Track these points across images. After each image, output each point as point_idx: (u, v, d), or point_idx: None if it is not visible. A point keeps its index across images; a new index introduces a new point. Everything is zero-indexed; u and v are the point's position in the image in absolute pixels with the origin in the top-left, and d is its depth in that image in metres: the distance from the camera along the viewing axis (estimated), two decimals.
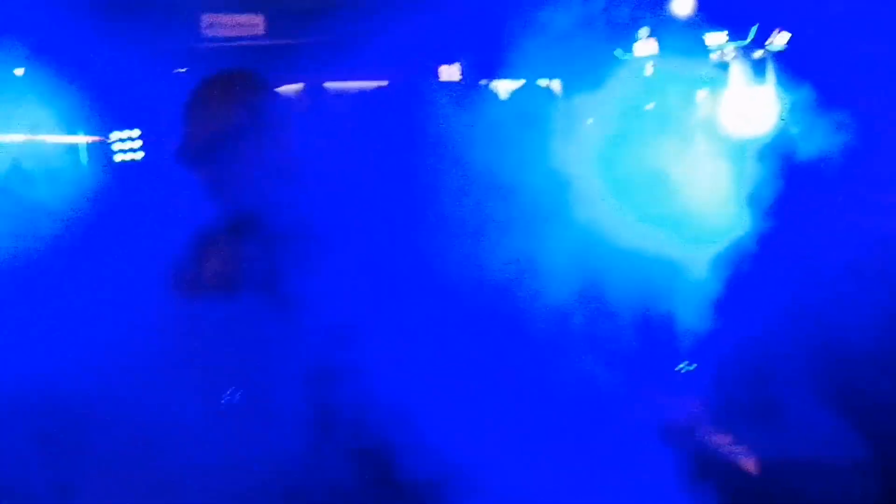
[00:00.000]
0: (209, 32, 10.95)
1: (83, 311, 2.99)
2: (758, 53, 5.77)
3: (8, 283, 3.09)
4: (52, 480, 2.63)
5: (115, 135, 5.40)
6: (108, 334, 2.87)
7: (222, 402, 2.91)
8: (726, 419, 3.02)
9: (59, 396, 2.75)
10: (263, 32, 11.08)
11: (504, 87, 5.30)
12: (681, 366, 3.36)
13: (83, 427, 2.70)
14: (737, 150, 3.83)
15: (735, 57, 5.93)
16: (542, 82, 4.25)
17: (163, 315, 2.89)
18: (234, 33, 11.01)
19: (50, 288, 3.17)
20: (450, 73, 7.19)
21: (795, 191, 3.33)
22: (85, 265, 3.27)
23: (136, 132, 5.47)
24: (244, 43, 9.56)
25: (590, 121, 4.74)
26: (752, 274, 3.11)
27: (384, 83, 6.10)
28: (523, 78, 4.14)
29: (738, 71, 5.85)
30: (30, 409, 2.72)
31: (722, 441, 2.90)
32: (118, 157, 5.45)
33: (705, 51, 6.04)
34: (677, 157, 3.77)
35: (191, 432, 2.64)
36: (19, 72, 4.47)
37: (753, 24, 5.86)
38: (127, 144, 5.48)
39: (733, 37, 6.00)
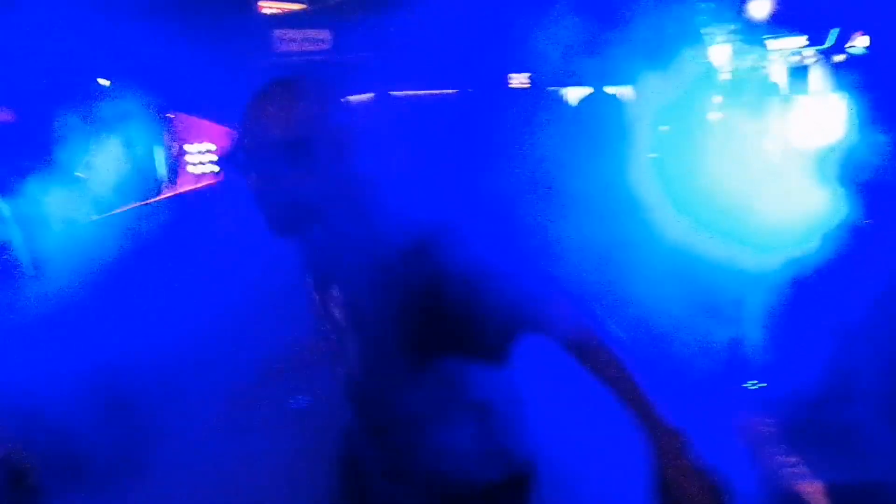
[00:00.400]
0: (279, 48, 11.31)
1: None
2: (838, 58, 5.70)
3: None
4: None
5: (189, 147, 5.67)
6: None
7: (290, 404, 3.05)
8: (794, 439, 3.00)
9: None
10: (330, 47, 11.40)
11: (573, 95, 5.37)
12: (750, 383, 3.35)
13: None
14: (812, 158, 3.81)
15: (815, 62, 5.86)
16: (610, 90, 4.29)
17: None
18: (303, 48, 11.35)
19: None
20: (520, 81, 7.31)
21: (871, 202, 3.28)
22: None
23: (212, 146, 5.73)
24: (313, 58, 9.84)
25: (664, 128, 4.77)
26: (825, 289, 3.09)
27: (453, 91, 6.25)
28: (591, 86, 4.20)
29: (818, 76, 5.77)
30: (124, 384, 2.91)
31: (787, 462, 2.87)
32: (193, 169, 5.73)
33: (782, 56, 5.98)
34: (750, 164, 3.77)
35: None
36: (104, 82, 4.77)
37: (833, 28, 5.78)
38: (206, 157, 5.75)
39: (813, 41, 5.92)
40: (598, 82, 4.29)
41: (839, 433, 2.95)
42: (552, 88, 5.28)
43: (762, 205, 3.39)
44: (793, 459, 2.85)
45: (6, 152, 3.72)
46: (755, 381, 3.27)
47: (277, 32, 11.15)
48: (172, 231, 4.11)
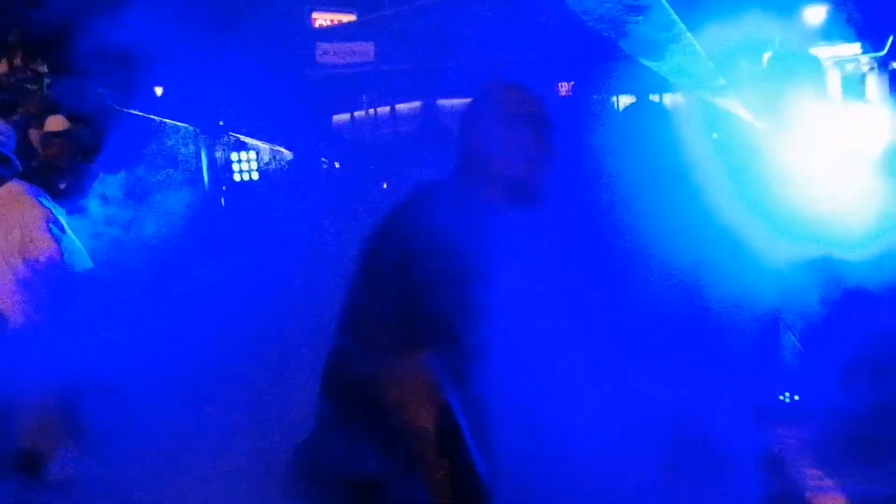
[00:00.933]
0: (324, 60, 11.63)
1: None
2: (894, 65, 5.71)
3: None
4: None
5: (234, 156, 5.91)
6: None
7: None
8: (823, 452, 3.02)
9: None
10: (374, 59, 11.68)
11: (620, 102, 5.47)
12: (784, 395, 3.40)
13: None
14: (867, 166, 3.84)
15: (871, 69, 5.87)
16: (654, 97, 4.38)
17: None
18: (347, 60, 11.65)
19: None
20: (564, 89, 7.45)
21: None
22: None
23: (252, 154, 5.97)
24: (358, 69, 10.10)
25: (716, 135, 4.82)
26: (869, 298, 3.11)
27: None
28: (634, 94, 4.29)
29: (874, 84, 5.78)
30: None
31: (812, 474, 2.89)
32: (237, 177, 5.98)
33: (838, 63, 6.00)
34: (803, 172, 3.82)
35: None
36: (159, 91, 5.03)
37: (890, 35, 5.80)
38: (245, 165, 5.99)
39: (868, 49, 5.94)
40: (643, 90, 4.38)
41: (873, 448, 2.97)
42: (596, 96, 5.40)
43: (811, 211, 3.44)
44: (821, 472, 2.88)
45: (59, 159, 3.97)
46: (788, 393, 3.31)
47: (322, 46, 11.48)
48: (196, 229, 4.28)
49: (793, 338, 3.55)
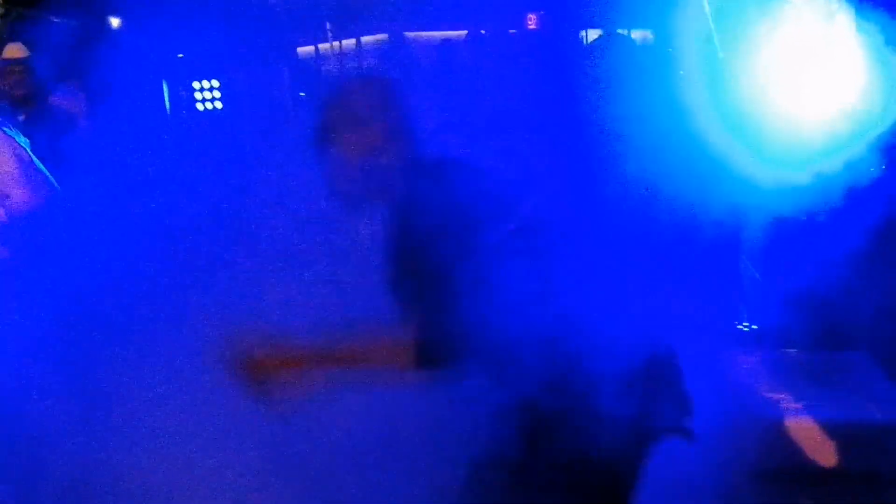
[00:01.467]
0: None
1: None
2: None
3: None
4: None
5: (197, 84, 5.95)
6: None
7: None
8: (785, 377, 3.23)
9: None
10: None
11: (584, 36, 5.58)
12: (742, 324, 3.60)
13: None
14: (830, 90, 3.96)
15: (839, 2, 5.96)
16: (622, 31, 4.48)
17: None
18: None
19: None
20: (530, 22, 7.50)
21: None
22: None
23: (216, 82, 6.01)
24: None
25: (682, 71, 4.94)
26: (825, 225, 3.29)
27: (464, 33, 6.46)
28: (601, 28, 4.40)
29: (843, 19, 5.87)
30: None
31: (777, 397, 3.09)
32: (199, 106, 6.02)
33: None
34: (769, 93, 3.96)
35: None
36: (115, 22, 5.03)
37: None
38: (208, 94, 6.03)
39: None
40: (610, 24, 4.48)
41: (830, 372, 3.16)
42: (563, 30, 5.48)
43: (774, 132, 3.57)
44: (781, 395, 3.07)
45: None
46: (746, 323, 3.51)
47: None
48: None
49: (749, 265, 3.76)
